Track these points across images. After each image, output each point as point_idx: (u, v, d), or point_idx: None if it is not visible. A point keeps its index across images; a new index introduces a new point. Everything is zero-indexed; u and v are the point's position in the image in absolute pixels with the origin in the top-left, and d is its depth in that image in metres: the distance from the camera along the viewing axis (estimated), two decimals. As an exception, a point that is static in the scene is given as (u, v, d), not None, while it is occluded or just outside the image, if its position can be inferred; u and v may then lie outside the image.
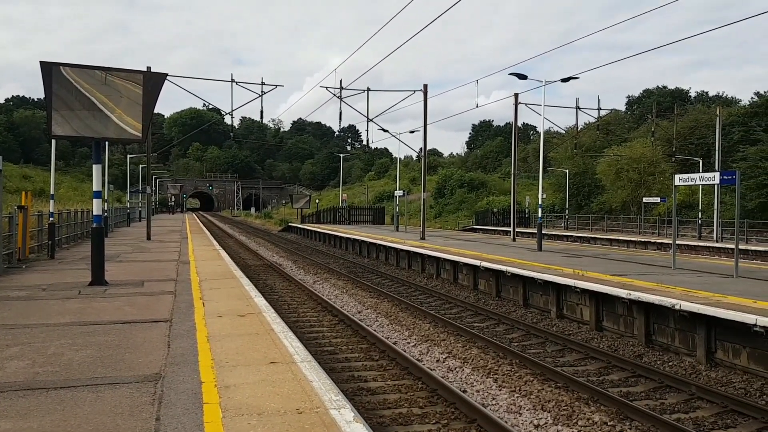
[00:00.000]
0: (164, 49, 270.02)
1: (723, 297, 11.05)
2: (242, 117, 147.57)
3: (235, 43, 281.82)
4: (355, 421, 4.75)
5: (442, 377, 9.14)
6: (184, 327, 8.27)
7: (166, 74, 12.95)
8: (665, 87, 78.52)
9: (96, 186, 12.61)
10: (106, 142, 31.63)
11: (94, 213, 12.86)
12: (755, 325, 8.99)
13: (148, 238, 27.23)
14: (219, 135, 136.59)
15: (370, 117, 30.69)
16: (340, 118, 30.07)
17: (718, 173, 15.08)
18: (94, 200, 12.65)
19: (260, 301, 10.67)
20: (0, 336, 7.62)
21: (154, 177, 72.34)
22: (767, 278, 14.35)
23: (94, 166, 12.89)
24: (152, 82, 12.39)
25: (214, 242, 27.30)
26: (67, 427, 4.63)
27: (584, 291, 13.12)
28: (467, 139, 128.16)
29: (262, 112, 30.28)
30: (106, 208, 33.12)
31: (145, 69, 18.48)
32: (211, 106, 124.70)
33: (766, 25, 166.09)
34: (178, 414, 4.89)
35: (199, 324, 8.46)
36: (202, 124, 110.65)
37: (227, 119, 28.40)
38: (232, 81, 25.28)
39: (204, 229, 42.27)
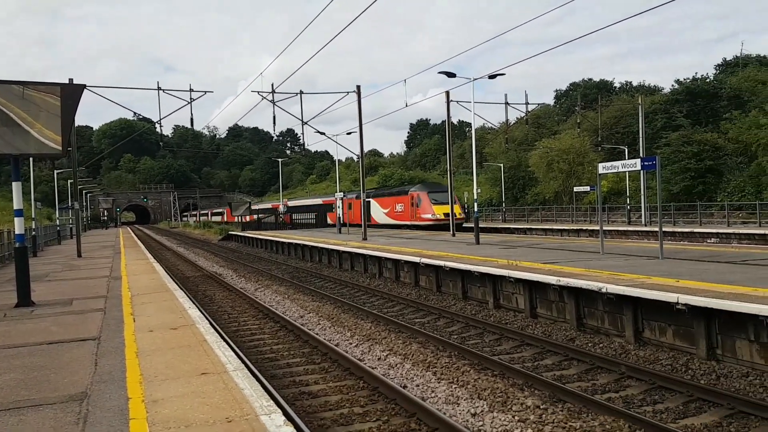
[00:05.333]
0: (92, 60, 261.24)
1: (647, 278, 11.53)
2: (175, 125, 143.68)
3: (166, 51, 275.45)
4: (286, 425, 4.75)
5: (383, 374, 9.20)
6: (113, 344, 8.05)
7: (84, 85, 12.57)
8: (591, 79, 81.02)
9: (17, 204, 12.11)
10: (30, 158, 30.54)
11: (17, 232, 12.34)
12: (677, 303, 9.40)
13: (79, 255, 26.30)
14: (152, 145, 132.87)
15: (305, 120, 30.65)
16: (274, 123, 29.83)
17: (639, 160, 15.68)
18: (16, 219, 12.17)
19: (194, 312, 10.48)
20: None
21: (83, 192, 69.84)
22: (691, 258, 15.05)
23: (14, 183, 12.37)
24: (70, 93, 11.98)
25: (149, 256, 26.59)
26: (-16, 455, 4.45)
27: (518, 280, 13.46)
28: (406, 138, 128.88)
29: (192, 119, 29.63)
30: (34, 227, 31.82)
31: (67, 81, 17.83)
32: (141, 116, 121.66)
33: (684, 12, 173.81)
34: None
35: (128, 340, 8.25)
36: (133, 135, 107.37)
37: (158, 128, 27.64)
38: (159, 89, 24.69)
39: (139, 242, 41.09)
